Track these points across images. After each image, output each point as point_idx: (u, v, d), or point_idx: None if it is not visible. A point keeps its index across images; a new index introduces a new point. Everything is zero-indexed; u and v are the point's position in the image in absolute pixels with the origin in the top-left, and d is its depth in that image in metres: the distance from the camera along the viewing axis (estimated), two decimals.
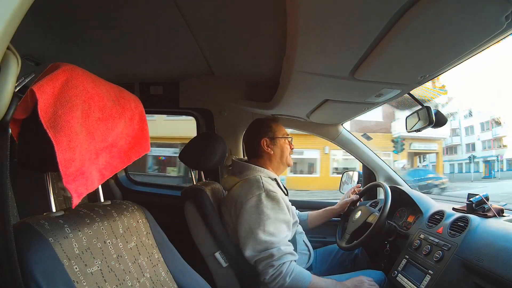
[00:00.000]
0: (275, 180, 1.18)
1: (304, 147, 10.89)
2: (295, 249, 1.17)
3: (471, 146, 23.13)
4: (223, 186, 1.32)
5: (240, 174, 1.15)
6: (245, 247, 1.02)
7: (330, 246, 1.44)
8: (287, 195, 1.23)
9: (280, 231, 1.03)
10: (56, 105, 0.48)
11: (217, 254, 1.09)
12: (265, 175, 1.14)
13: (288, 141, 1.24)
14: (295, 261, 1.04)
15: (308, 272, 1.05)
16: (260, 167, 1.16)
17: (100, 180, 0.58)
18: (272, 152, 1.20)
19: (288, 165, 1.26)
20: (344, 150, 1.78)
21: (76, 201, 0.51)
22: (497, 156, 20.95)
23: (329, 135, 1.75)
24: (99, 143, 0.56)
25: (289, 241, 1.13)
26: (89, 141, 0.53)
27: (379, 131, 12.15)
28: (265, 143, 1.20)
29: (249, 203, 1.03)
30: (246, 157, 1.41)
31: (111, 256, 0.60)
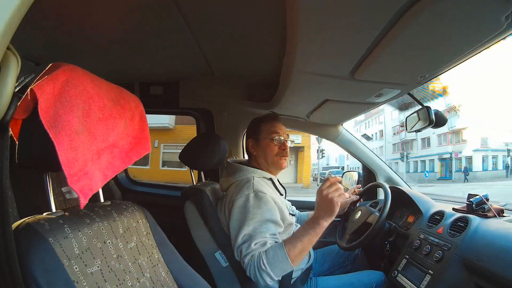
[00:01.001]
0: (271, 180, 1.16)
1: None
2: None
3: (427, 141, 20.08)
4: (220, 187, 1.32)
5: (234, 176, 1.14)
6: (233, 246, 1.02)
7: (330, 246, 1.44)
8: (282, 195, 1.21)
9: (264, 229, 1.00)
10: (57, 105, 0.48)
11: (217, 254, 1.09)
12: (259, 176, 1.12)
13: (275, 141, 1.14)
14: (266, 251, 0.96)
15: (280, 243, 0.96)
16: (253, 168, 1.14)
17: (103, 180, 0.58)
18: (255, 153, 1.18)
19: (279, 167, 1.17)
20: (345, 150, 1.78)
21: (83, 202, 0.51)
22: (451, 154, 17.39)
23: (329, 135, 1.75)
24: (101, 143, 0.56)
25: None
26: (90, 141, 0.53)
27: None
28: (250, 144, 1.19)
29: (238, 203, 1.03)
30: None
31: (111, 256, 0.60)
